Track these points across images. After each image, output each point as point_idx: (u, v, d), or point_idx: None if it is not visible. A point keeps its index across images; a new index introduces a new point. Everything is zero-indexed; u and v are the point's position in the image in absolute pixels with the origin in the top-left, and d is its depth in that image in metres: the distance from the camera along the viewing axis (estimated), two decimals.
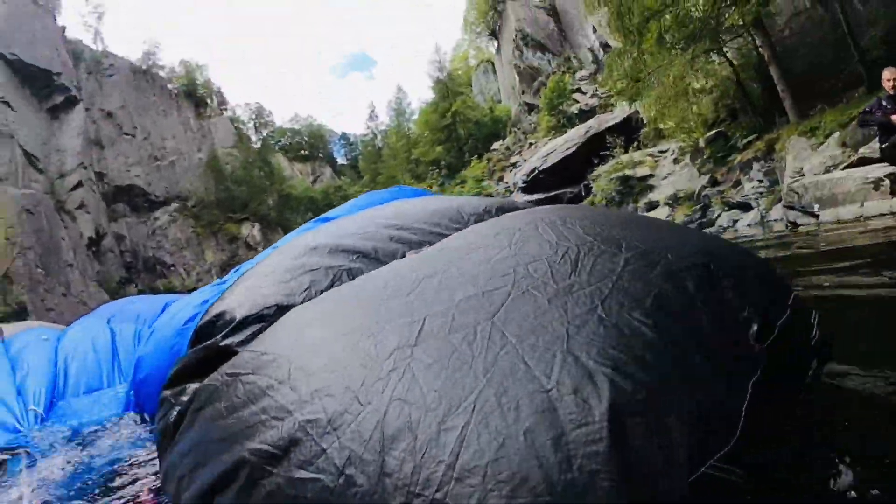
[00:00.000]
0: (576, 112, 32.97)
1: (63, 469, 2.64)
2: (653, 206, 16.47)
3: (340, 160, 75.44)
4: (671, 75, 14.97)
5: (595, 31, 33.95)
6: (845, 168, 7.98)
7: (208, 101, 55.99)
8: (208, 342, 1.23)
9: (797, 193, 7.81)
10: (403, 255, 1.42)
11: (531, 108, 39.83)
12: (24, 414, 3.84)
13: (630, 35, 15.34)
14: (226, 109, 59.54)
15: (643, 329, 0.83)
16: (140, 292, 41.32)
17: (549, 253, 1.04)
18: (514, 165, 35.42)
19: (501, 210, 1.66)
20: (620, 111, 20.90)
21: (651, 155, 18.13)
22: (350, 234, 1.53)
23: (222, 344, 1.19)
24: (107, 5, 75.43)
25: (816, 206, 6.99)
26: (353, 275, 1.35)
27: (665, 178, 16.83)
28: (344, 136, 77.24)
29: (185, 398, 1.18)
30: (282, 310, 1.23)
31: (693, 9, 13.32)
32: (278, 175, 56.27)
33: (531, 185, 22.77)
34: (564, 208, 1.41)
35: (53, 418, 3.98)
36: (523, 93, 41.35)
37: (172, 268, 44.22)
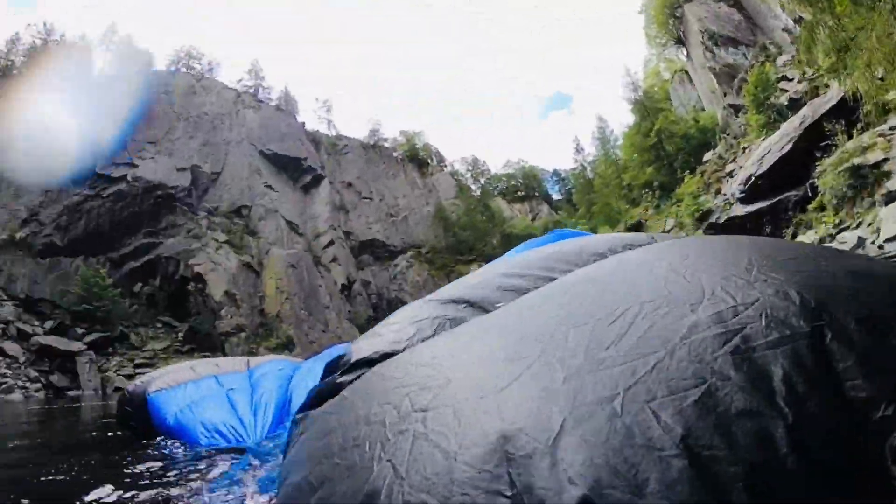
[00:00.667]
0: (785, 103, 27.93)
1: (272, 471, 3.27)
2: (892, 197, 13.52)
3: (555, 196, 76.09)
4: (874, 36, 12.14)
5: (783, 7, 29.06)
6: None
7: (429, 161, 63.49)
8: (328, 378, 1.40)
9: None
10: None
11: (737, 109, 34.41)
12: (254, 428, 5.16)
13: (817, 2, 13.40)
14: (445, 166, 66.52)
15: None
16: None
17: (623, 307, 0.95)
18: (730, 175, 30.83)
19: (630, 246, 1.54)
20: (834, 91, 18.00)
21: (881, 135, 15.23)
22: (469, 285, 1.60)
23: (337, 381, 1.32)
24: (333, 100, 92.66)
25: None
26: (455, 324, 1.37)
27: None
28: (555, 173, 77.82)
29: (302, 423, 1.33)
30: (385, 356, 1.31)
31: None
32: (499, 217, 59.41)
33: (749, 195, 20.83)
34: (703, 243, 1.29)
35: (279, 432, 5.07)
36: (725, 95, 36.25)
37: None
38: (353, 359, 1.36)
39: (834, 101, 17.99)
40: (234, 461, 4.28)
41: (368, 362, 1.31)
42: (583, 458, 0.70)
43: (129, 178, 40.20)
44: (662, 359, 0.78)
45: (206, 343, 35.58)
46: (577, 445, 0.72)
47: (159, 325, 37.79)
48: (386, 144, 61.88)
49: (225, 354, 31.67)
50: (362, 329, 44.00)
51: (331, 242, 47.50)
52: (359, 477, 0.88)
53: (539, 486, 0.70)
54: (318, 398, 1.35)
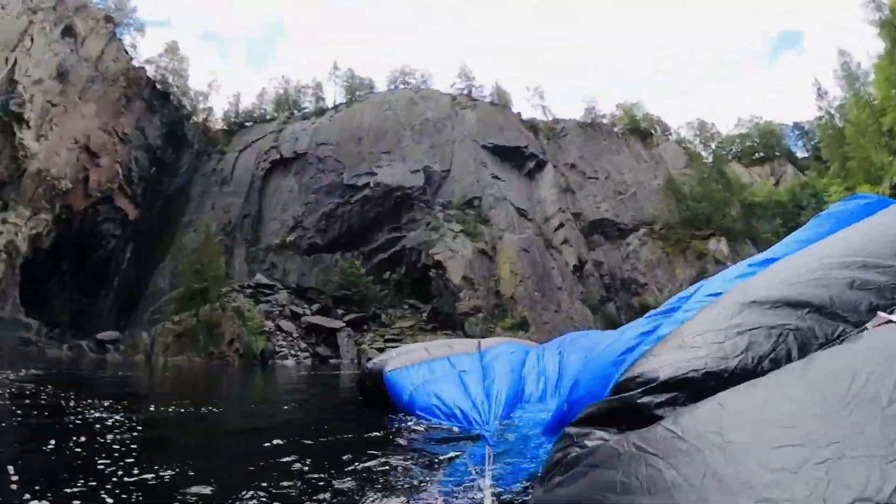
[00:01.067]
0: None
1: (506, 457, 3.42)
2: None
3: (800, 153, 62.61)
4: None
5: None
6: None
7: (651, 131, 58.35)
8: (625, 394, 1.15)
9: None
10: (873, 309, 1.04)
11: None
12: (487, 412, 5.35)
13: None
14: (670, 134, 60.23)
15: None
16: (618, 309, 45.24)
17: None
18: None
19: None
20: None
21: None
22: (796, 281, 1.24)
23: (639, 401, 1.11)
24: (543, 86, 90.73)
25: None
26: (801, 338, 1.06)
27: None
28: (797, 126, 64.24)
29: (587, 442, 1.11)
30: (710, 376, 1.06)
31: None
32: (736, 184, 51.77)
33: None
34: None
35: (511, 418, 5.09)
36: None
37: (645, 286, 45.52)
38: (661, 377, 1.09)
39: None
40: (468, 445, 4.28)
41: (685, 384, 1.05)
42: None
43: (371, 184, 44.90)
44: None
45: (447, 322, 37.58)
46: None
47: (406, 306, 41.27)
48: (604, 121, 59.00)
49: (465, 333, 34.40)
50: (594, 310, 42.80)
51: (560, 225, 46.28)
52: None
53: None
54: (605, 415, 1.13)
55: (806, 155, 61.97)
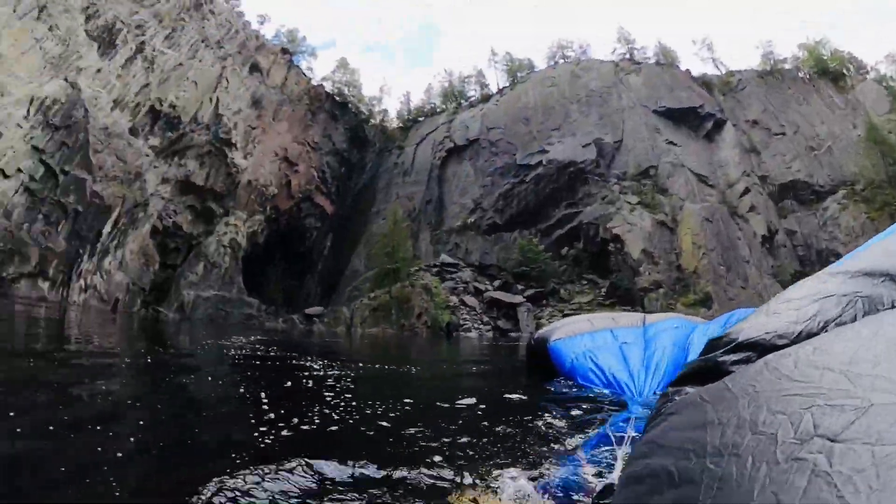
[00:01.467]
0: None
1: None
2: None
3: None
4: None
5: None
6: None
7: (844, 71, 50.96)
8: (709, 355, 1.29)
9: None
10: None
11: None
12: (644, 383, 5.50)
13: None
14: (867, 72, 51.95)
15: None
16: None
17: None
18: None
19: None
20: None
21: None
22: (888, 251, 1.32)
23: (719, 360, 1.24)
24: (711, 36, 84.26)
25: None
26: (868, 304, 1.16)
27: None
28: None
29: (677, 397, 1.23)
30: (779, 338, 1.18)
31: None
32: None
33: None
34: None
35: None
36: None
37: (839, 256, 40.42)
38: (740, 339, 1.19)
39: None
40: (620, 413, 4.50)
41: (757, 345, 1.14)
42: None
43: (543, 162, 45.95)
44: None
45: (626, 298, 37.81)
46: None
47: (584, 281, 42.17)
48: (786, 66, 53.29)
49: (644, 309, 33.03)
50: (786, 285, 38.39)
51: (746, 190, 43.79)
52: (731, 496, 0.73)
53: None
54: (694, 374, 1.23)
55: None
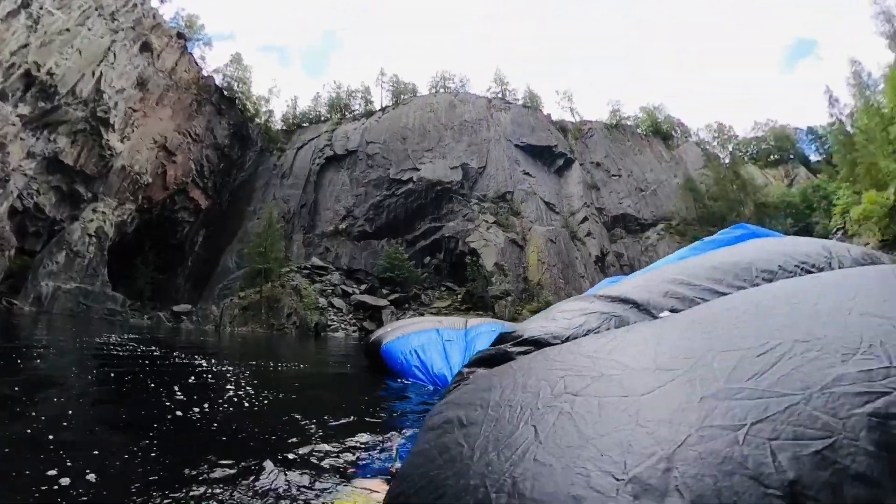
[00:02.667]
0: None
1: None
2: None
3: (813, 157, 65.29)
4: None
5: None
6: None
7: (672, 133, 62.43)
8: (500, 345, 1.59)
9: None
10: (670, 310, 1.48)
11: None
12: (442, 379, 6.14)
13: None
14: (689, 136, 64.07)
15: None
16: None
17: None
18: None
19: (803, 266, 1.53)
20: None
21: None
22: (637, 286, 1.68)
23: (507, 350, 1.53)
24: (573, 89, 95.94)
25: None
26: (619, 323, 1.51)
27: None
28: (810, 131, 66.68)
29: (471, 376, 1.53)
30: (554, 338, 1.50)
31: None
32: (751, 185, 55.49)
33: None
34: (885, 279, 1.26)
35: None
36: None
37: None
38: (525, 335, 1.50)
39: None
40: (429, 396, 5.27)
41: (537, 341, 1.45)
42: (695, 472, 0.74)
43: (414, 179, 49.68)
44: (797, 403, 0.78)
45: (479, 304, 41.27)
46: (694, 461, 0.76)
47: (443, 288, 45.56)
48: (628, 122, 63.69)
49: (495, 314, 37.55)
50: None
51: (584, 218, 50.77)
52: (504, 429, 1.02)
53: (649, 482, 0.76)
54: (486, 358, 1.50)
55: (818, 159, 64.27)
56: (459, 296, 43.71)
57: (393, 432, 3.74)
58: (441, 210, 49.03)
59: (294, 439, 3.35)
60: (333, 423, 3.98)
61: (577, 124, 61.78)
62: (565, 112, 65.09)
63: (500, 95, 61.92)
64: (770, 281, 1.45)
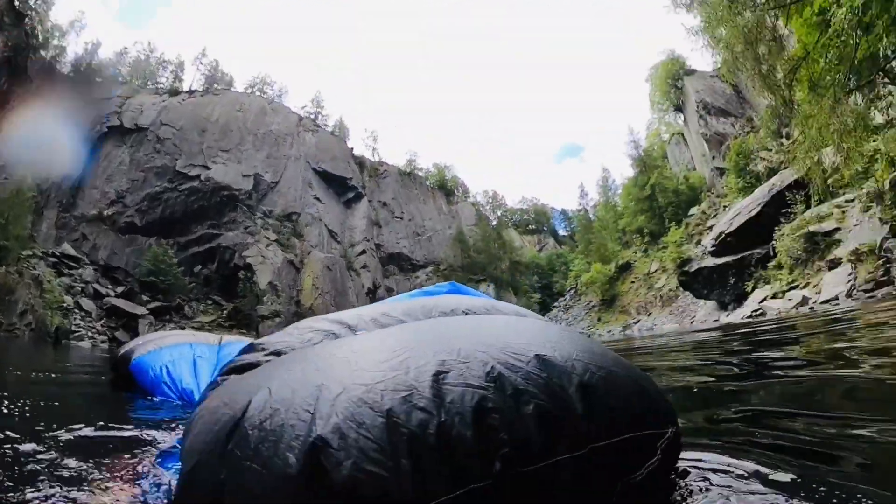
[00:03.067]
0: (763, 171, 30.55)
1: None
2: (835, 263, 14.25)
3: (561, 232, 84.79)
4: (815, 126, 12.89)
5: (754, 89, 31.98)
6: None
7: (455, 191, 71.76)
8: (247, 355, 1.74)
9: None
10: (358, 331, 1.79)
11: (722, 172, 38.80)
12: (188, 394, 6.02)
13: (778, 90, 14.09)
14: (468, 196, 74.87)
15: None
16: None
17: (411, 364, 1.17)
18: (710, 229, 32.38)
19: (468, 312, 1.92)
20: (802, 164, 18.16)
21: (838, 206, 16.24)
22: (354, 314, 1.93)
23: (253, 360, 1.68)
24: (380, 130, 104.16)
25: None
26: (335, 338, 1.74)
27: (850, 230, 14.86)
28: (563, 212, 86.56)
29: (222, 383, 1.65)
30: (289, 347, 1.70)
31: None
32: (510, 246, 67.76)
33: (719, 249, 22.69)
34: (459, 322, 1.69)
35: None
36: (713, 158, 40.90)
37: None
38: (268, 348, 1.72)
39: (802, 174, 17.32)
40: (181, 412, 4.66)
41: (277, 351, 1.68)
42: (348, 407, 1.00)
43: (202, 177, 47.63)
44: (406, 374, 1.09)
45: (245, 322, 41.16)
46: (355, 400, 1.01)
47: (210, 302, 44.43)
48: (420, 173, 70.72)
49: (258, 334, 34.69)
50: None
51: (363, 251, 54.58)
52: (246, 395, 1.18)
53: (323, 412, 0.99)
54: (237, 367, 1.67)
55: (565, 234, 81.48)
56: (226, 311, 43.19)
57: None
58: (223, 217, 47.68)
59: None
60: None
61: (375, 164, 65.99)
62: (367, 150, 69.20)
63: (312, 116, 63.06)
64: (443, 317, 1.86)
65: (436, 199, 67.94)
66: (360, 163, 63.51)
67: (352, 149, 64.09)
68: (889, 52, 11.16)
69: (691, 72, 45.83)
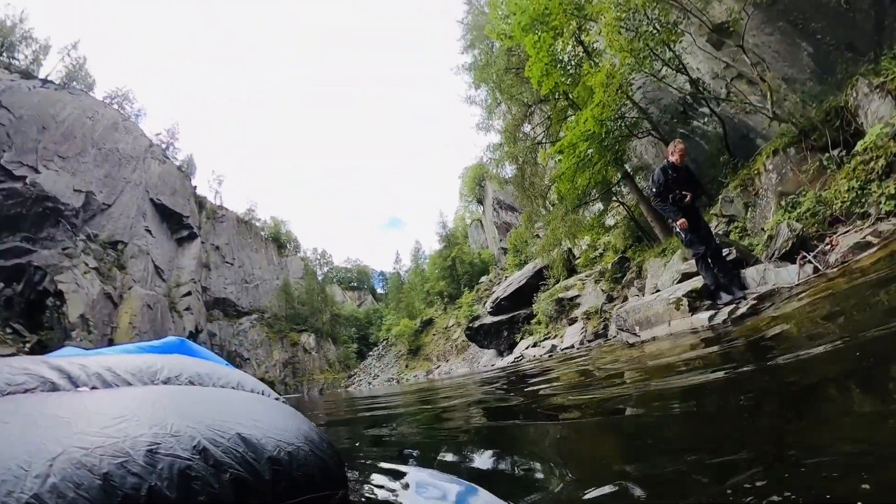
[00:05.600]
0: (532, 252, 37.28)
1: None
2: (573, 320, 17.66)
3: (380, 290, 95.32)
4: (551, 229, 18.60)
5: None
6: (677, 283, 8.47)
7: (287, 245, 74.61)
8: None
9: (622, 318, 8.22)
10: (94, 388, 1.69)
11: (505, 251, 49.47)
12: None
13: (536, 199, 20.00)
14: (299, 251, 77.69)
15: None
16: None
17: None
18: (491, 293, 40.69)
19: (191, 381, 1.93)
20: (543, 254, 24.38)
21: (580, 279, 20.75)
22: (78, 366, 1.78)
23: None
24: (226, 175, 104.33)
25: (637, 328, 7.55)
26: (52, 388, 1.61)
27: (585, 297, 18.57)
28: (382, 274, 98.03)
29: None
30: (4, 396, 1.52)
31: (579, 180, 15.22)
32: (331, 300, 72.63)
33: (496, 310, 27.76)
34: (178, 393, 1.71)
35: None
36: (501, 241, 51.98)
37: (248, 360, 56.30)
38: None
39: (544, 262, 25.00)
40: None
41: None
42: (66, 469, 1.04)
43: (28, 180, 41.73)
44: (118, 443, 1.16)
45: None
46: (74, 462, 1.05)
47: (10, 330, 38.35)
48: (257, 224, 71.43)
49: None
50: None
51: (189, 293, 52.62)
52: None
53: (40, 471, 1.00)
54: None
55: (383, 292, 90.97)
56: (28, 345, 37.06)
57: None
58: (40, 231, 41.93)
59: None
60: None
61: (215, 206, 65.00)
62: (210, 192, 68.98)
63: (164, 146, 60.23)
64: (166, 383, 1.87)
65: (268, 249, 68.55)
66: (201, 203, 61.89)
67: (195, 187, 62.24)
68: (614, 181, 16.59)
69: (492, 176, 57.86)
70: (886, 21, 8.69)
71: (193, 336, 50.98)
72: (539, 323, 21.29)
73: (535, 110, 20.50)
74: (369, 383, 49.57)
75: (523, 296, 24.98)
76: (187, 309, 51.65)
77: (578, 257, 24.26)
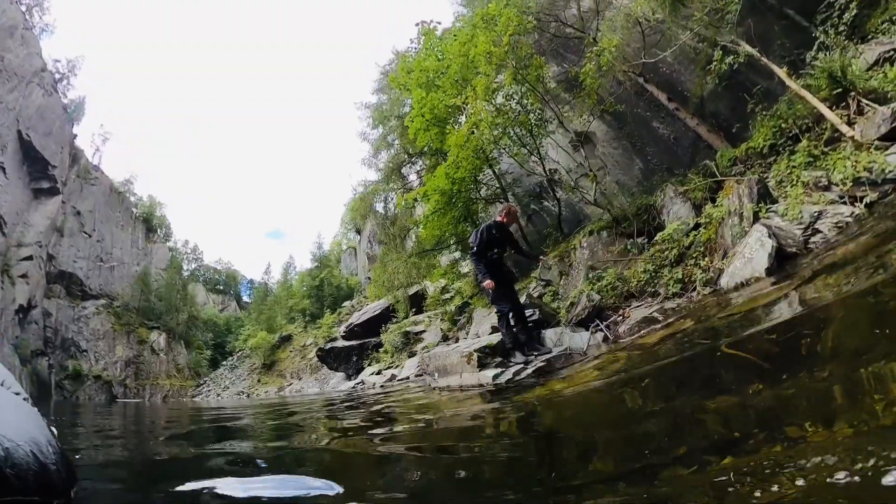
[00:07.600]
0: (385, 288, 42.69)
1: None
2: (413, 353, 18.39)
3: (245, 298, 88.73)
4: (395, 270, 21.80)
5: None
6: (488, 335, 8.93)
7: (158, 230, 65.10)
8: None
9: (426, 362, 8.64)
10: None
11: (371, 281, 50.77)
12: None
13: (394, 239, 22.74)
14: (169, 240, 68.30)
15: None
16: (50, 367, 43.86)
17: None
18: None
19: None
20: (389, 295, 27.31)
21: (428, 317, 22.70)
22: None
23: None
24: (113, 134, 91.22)
25: (436, 374, 7.89)
26: None
27: (430, 333, 20.00)
28: (251, 281, 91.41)
29: None
30: None
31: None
32: (192, 300, 64.76)
33: (349, 335, 28.47)
34: None
35: None
36: (369, 271, 52.65)
37: (85, 353, 46.93)
38: None
39: (411, 292, 26.68)
40: None
41: None
42: None
43: None
44: None
45: None
46: None
47: None
48: (132, 198, 62.07)
49: None
50: (24, 360, 40.64)
51: (30, 257, 43.51)
52: None
53: None
54: None
55: (248, 301, 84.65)
56: None
57: None
58: None
59: None
60: None
61: (90, 165, 55.51)
62: (91, 147, 59.85)
63: (57, 76, 52.60)
64: None
65: (136, 229, 59.39)
66: (76, 156, 52.41)
67: (75, 136, 53.11)
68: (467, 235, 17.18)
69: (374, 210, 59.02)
70: (697, 157, 11.50)
71: (24, 310, 42.31)
72: (386, 352, 21.98)
73: (417, 160, 22.59)
74: (218, 395, 45.50)
75: (376, 325, 25.88)
76: (23, 276, 42.39)
77: (427, 298, 25.92)
